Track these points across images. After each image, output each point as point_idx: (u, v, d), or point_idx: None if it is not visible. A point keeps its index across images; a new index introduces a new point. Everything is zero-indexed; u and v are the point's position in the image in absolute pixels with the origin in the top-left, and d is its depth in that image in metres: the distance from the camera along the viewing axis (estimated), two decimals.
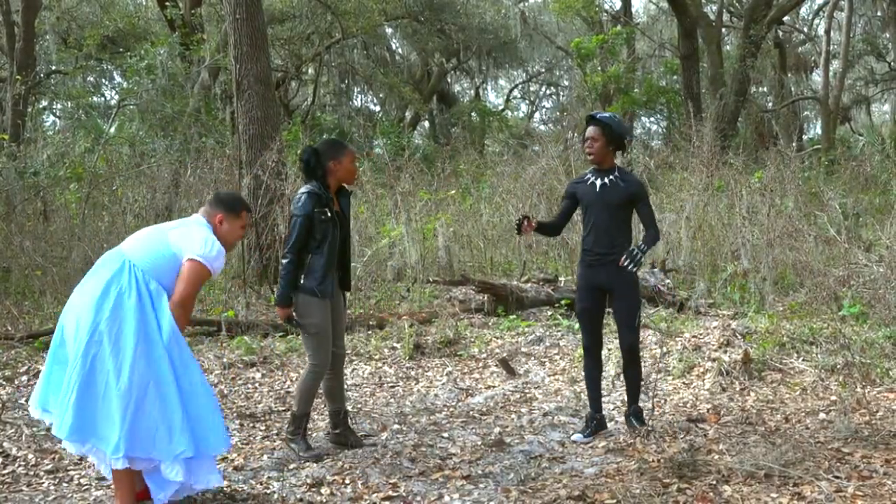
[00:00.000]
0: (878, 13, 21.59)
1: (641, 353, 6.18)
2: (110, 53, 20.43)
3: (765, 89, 24.19)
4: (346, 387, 5.92)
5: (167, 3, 16.83)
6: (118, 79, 21.12)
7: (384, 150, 13.59)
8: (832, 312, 6.74)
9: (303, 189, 4.33)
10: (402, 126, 23.26)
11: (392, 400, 5.63)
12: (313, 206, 4.25)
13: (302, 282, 4.29)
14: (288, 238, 4.31)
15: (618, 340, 4.83)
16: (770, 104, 22.28)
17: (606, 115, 4.75)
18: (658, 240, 4.67)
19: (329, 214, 4.29)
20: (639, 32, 23.06)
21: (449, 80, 27.32)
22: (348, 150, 4.45)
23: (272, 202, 8.50)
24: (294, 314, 4.31)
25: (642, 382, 4.81)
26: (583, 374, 4.88)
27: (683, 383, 5.69)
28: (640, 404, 4.71)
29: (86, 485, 4.00)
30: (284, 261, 4.29)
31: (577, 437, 4.65)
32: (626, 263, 4.40)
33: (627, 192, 4.57)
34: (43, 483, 4.02)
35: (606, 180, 4.59)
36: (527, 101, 31.56)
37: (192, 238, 3.58)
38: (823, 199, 9.57)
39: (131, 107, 14.26)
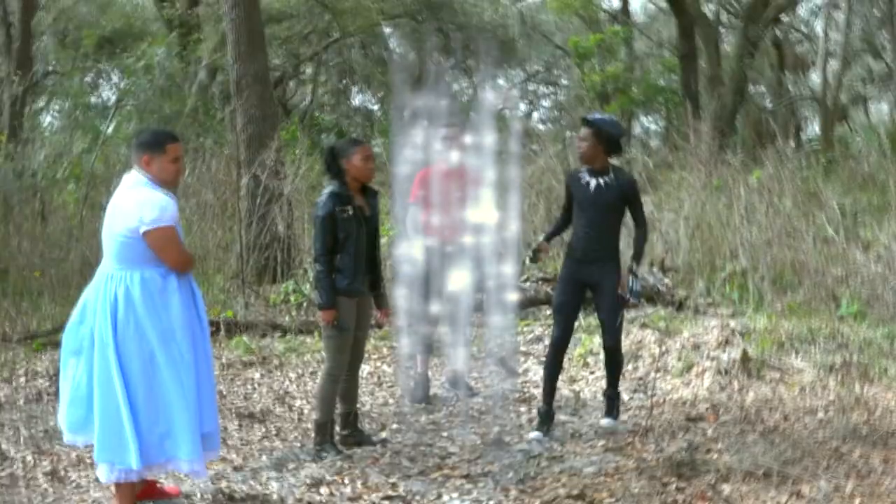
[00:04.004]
0: (876, 12, 21.60)
1: (641, 353, 6.22)
2: (108, 53, 20.38)
3: (763, 88, 24.19)
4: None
5: (164, 3, 16.81)
6: (116, 79, 21.09)
7: (382, 149, 13.58)
8: (830, 311, 6.75)
9: (325, 190, 4.39)
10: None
11: (391, 399, 5.63)
12: (334, 205, 4.26)
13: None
14: (314, 240, 4.34)
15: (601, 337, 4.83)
16: (768, 103, 22.28)
17: (601, 116, 4.77)
18: (646, 239, 4.72)
19: (351, 212, 4.29)
20: (637, 32, 23.06)
21: (447, 79, 27.30)
22: (358, 146, 4.45)
23: (271, 201, 8.49)
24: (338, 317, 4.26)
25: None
26: (548, 369, 4.79)
27: (682, 382, 5.68)
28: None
29: (84, 486, 3.99)
30: (317, 265, 4.28)
31: (535, 434, 4.62)
32: (626, 297, 4.51)
33: (621, 194, 4.58)
34: (41, 484, 4.01)
35: (601, 181, 4.57)
36: (525, 101, 31.56)
37: (130, 212, 3.43)
38: (822, 199, 9.57)
39: (129, 107, 14.23)
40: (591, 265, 4.56)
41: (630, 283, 4.53)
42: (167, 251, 3.45)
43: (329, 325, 4.29)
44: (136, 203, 3.44)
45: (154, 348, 3.42)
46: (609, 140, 4.59)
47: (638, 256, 4.63)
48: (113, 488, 3.57)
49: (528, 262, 4.94)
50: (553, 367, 4.73)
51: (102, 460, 3.42)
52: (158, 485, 3.80)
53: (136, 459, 3.36)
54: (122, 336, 3.41)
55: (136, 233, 3.41)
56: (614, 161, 4.73)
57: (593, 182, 4.59)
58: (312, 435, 4.50)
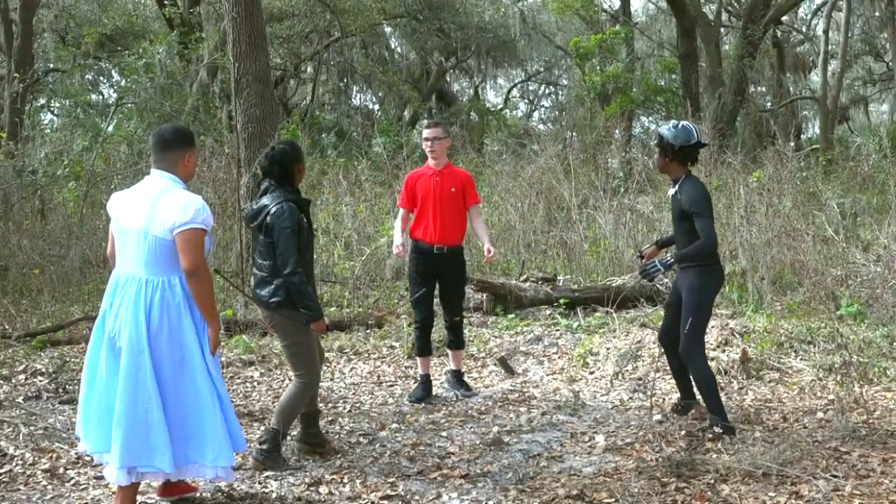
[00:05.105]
0: (877, 13, 21.60)
1: (640, 353, 6.21)
2: (108, 52, 20.41)
3: (763, 89, 24.20)
4: (344, 385, 5.93)
5: (166, 2, 16.81)
6: (116, 77, 21.09)
7: (383, 148, 13.59)
8: (830, 312, 6.75)
9: (278, 198, 4.09)
10: (401, 125, 23.25)
11: (391, 399, 5.63)
12: (299, 214, 4.10)
13: (285, 297, 4.09)
14: (285, 254, 4.01)
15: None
16: (769, 104, 22.29)
17: (667, 125, 4.68)
18: (698, 251, 4.41)
19: (306, 221, 4.18)
20: (637, 32, 23.06)
21: (448, 78, 27.30)
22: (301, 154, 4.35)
23: None
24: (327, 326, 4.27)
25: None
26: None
27: None
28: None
29: (83, 484, 4.00)
30: (295, 278, 4.02)
31: (657, 417, 4.81)
32: (640, 279, 4.54)
33: (680, 205, 4.53)
34: (40, 482, 4.02)
35: (673, 191, 4.64)
36: (526, 101, 31.54)
37: (166, 214, 3.41)
38: (821, 199, 9.58)
39: (129, 105, 14.22)
40: (681, 272, 4.62)
41: (655, 262, 4.52)
42: (186, 252, 3.38)
43: (323, 332, 4.25)
44: (181, 205, 3.41)
45: (186, 352, 3.43)
46: (670, 147, 4.51)
47: (679, 254, 4.49)
48: (114, 487, 3.57)
49: (634, 258, 5.18)
50: (669, 363, 4.85)
51: (124, 465, 3.39)
52: (182, 481, 3.79)
53: (170, 464, 3.37)
54: (156, 342, 3.40)
55: (172, 235, 3.41)
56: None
57: (671, 191, 4.70)
58: (263, 439, 4.24)
